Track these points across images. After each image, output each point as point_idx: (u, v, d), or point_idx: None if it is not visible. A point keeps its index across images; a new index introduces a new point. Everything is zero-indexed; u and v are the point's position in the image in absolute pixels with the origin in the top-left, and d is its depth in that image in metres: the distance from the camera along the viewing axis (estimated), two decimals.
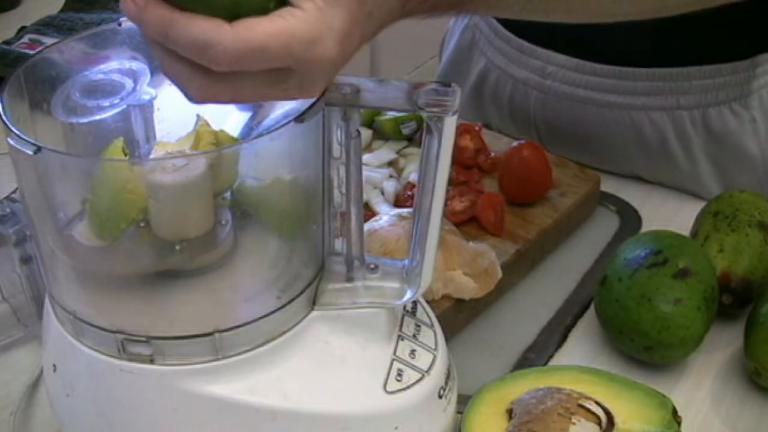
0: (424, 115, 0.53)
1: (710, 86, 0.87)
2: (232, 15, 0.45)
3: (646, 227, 0.87)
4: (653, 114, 0.89)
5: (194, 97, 0.49)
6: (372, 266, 0.59)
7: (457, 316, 0.75)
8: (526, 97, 0.97)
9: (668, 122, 0.89)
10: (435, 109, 0.52)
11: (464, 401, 0.64)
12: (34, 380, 0.71)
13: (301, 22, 0.45)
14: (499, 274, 0.75)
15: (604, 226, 0.88)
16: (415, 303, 0.63)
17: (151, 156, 0.59)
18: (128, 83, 0.59)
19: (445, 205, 0.56)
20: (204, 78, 0.47)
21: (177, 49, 0.46)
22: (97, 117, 0.57)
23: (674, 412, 0.62)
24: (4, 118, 0.50)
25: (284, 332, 0.56)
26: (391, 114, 0.91)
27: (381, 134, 0.93)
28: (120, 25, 0.59)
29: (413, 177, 0.86)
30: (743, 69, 0.86)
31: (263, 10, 0.46)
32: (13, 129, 0.49)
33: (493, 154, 0.89)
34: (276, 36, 0.45)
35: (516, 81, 0.97)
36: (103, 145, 0.57)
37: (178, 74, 0.48)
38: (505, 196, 0.84)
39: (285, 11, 0.46)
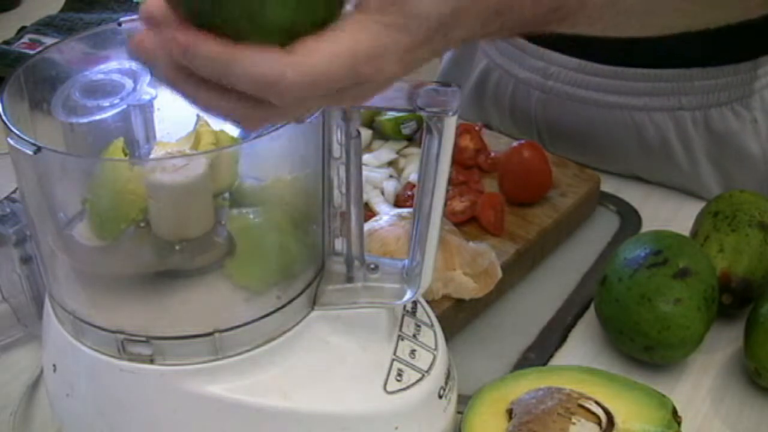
0: (424, 115, 0.53)
1: (712, 87, 0.87)
2: (289, 36, 0.41)
3: (646, 227, 0.87)
4: (655, 114, 0.89)
5: (250, 129, 0.46)
6: (372, 266, 0.59)
7: (457, 316, 0.75)
8: (527, 98, 0.97)
9: (670, 123, 0.89)
10: (435, 109, 0.52)
11: (464, 401, 0.64)
12: (34, 380, 0.71)
13: (365, 37, 0.42)
14: (499, 274, 0.75)
15: (604, 226, 0.88)
16: (415, 303, 0.63)
17: (151, 156, 0.59)
18: (128, 83, 0.59)
19: (445, 205, 0.56)
20: (263, 111, 0.43)
21: (235, 87, 0.42)
22: (97, 117, 0.57)
23: (674, 412, 0.62)
24: (4, 118, 0.50)
25: (284, 332, 0.56)
26: (391, 114, 0.91)
27: (381, 134, 0.93)
28: (120, 25, 0.59)
29: (413, 177, 0.86)
30: (745, 70, 0.86)
31: (322, 22, 0.42)
32: (13, 129, 0.49)
33: (493, 154, 0.89)
34: (339, 56, 0.41)
35: (518, 81, 0.97)
36: (103, 145, 0.57)
37: (230, 111, 0.44)
38: (505, 196, 0.84)
39: (349, 24, 0.42)
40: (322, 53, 0.41)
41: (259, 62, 0.40)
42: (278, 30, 0.40)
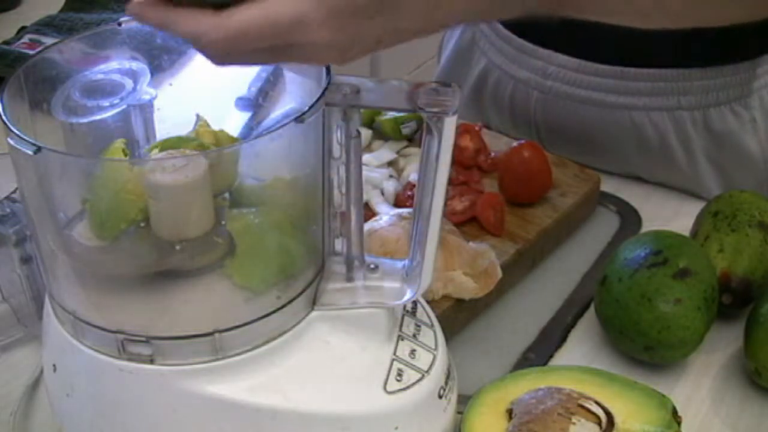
0: (424, 115, 0.53)
1: (711, 87, 0.87)
2: (220, 4, 0.47)
3: (646, 227, 0.87)
4: (654, 114, 0.89)
5: (215, 64, 0.51)
6: (372, 266, 0.59)
7: (457, 316, 0.75)
8: (526, 98, 0.97)
9: (669, 122, 0.89)
10: (435, 109, 0.52)
11: (464, 401, 0.64)
12: (34, 380, 0.71)
13: (280, 5, 0.47)
14: (499, 274, 0.75)
15: (604, 226, 0.88)
16: (415, 303, 0.63)
17: (151, 156, 0.59)
18: (128, 83, 0.59)
19: (445, 205, 0.56)
20: (213, 54, 0.49)
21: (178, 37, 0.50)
22: (97, 117, 0.57)
23: (674, 412, 0.62)
24: (4, 118, 0.50)
25: (284, 332, 0.56)
26: (391, 114, 0.91)
27: (381, 134, 0.93)
28: (120, 25, 0.59)
29: (413, 177, 0.86)
30: (744, 70, 0.86)
31: None
32: (13, 129, 0.49)
33: (493, 154, 0.89)
34: (254, 21, 0.47)
35: (517, 81, 0.97)
36: (103, 145, 0.57)
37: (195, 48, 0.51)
38: (505, 196, 0.84)
39: None
40: (240, 15, 0.47)
41: (186, 22, 0.48)
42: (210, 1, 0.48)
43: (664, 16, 0.59)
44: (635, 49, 0.87)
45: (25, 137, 0.49)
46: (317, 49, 0.49)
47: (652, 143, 0.91)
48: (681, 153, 0.90)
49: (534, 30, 0.93)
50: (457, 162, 0.87)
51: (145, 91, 0.59)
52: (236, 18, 0.47)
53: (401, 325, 0.61)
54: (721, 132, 0.88)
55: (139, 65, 0.59)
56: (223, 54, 0.49)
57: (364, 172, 0.59)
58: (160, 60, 0.60)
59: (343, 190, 0.56)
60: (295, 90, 0.60)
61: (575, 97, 0.92)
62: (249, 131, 0.61)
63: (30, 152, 0.49)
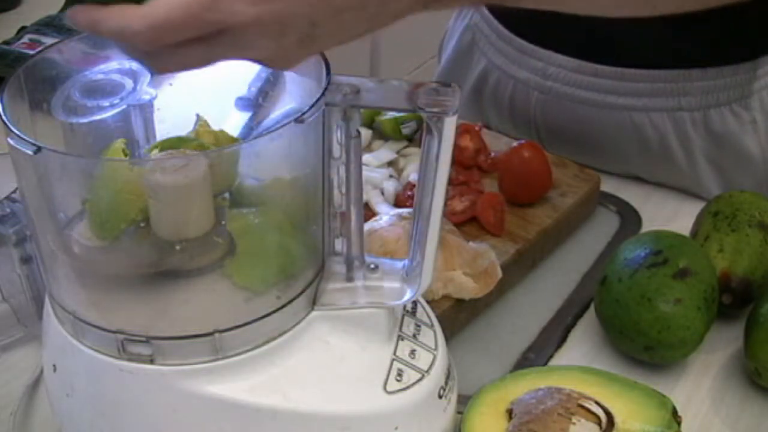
0: (424, 115, 0.53)
1: (711, 88, 0.87)
2: None
3: (646, 227, 0.87)
4: (654, 115, 0.89)
5: (153, 72, 0.51)
6: (372, 266, 0.59)
7: (457, 316, 0.75)
8: (526, 98, 0.97)
9: (669, 123, 0.89)
10: (435, 109, 0.52)
11: (464, 401, 0.64)
12: (34, 380, 0.71)
13: None
14: (499, 274, 0.75)
15: (604, 226, 0.88)
16: (415, 303, 0.63)
17: (151, 156, 0.59)
18: (128, 83, 0.59)
19: (445, 205, 0.56)
20: (146, 56, 0.49)
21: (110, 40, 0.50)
22: (97, 117, 0.57)
23: (674, 412, 0.62)
24: (4, 118, 0.50)
25: (284, 332, 0.56)
26: (391, 114, 0.91)
27: (381, 134, 0.93)
28: None
29: (413, 177, 0.86)
30: (744, 71, 0.86)
31: None
32: (13, 129, 0.49)
33: (493, 154, 0.89)
34: (175, 6, 0.46)
35: (517, 82, 0.97)
36: (103, 145, 0.57)
37: (132, 57, 0.51)
38: (505, 196, 0.84)
39: None
40: (161, 3, 0.47)
41: (112, 18, 0.47)
42: None
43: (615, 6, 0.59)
44: (635, 49, 0.87)
45: (25, 137, 0.49)
46: (248, 35, 0.48)
47: (652, 144, 0.91)
48: (681, 154, 0.90)
49: (534, 31, 0.93)
50: (457, 162, 0.87)
51: (145, 91, 0.59)
52: (158, 4, 0.46)
53: (401, 325, 0.61)
54: (721, 133, 0.88)
55: (139, 65, 0.59)
56: (150, 46, 0.48)
57: (364, 172, 0.59)
58: None
59: (343, 190, 0.56)
60: (295, 90, 0.60)
61: (575, 98, 0.92)
62: (249, 131, 0.61)
63: (30, 152, 0.49)
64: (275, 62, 0.52)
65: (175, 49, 0.48)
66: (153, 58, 0.49)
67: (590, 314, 0.77)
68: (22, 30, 1.20)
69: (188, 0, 0.46)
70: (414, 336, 0.61)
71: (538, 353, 0.75)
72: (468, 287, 0.73)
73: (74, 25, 0.49)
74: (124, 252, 0.56)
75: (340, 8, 0.50)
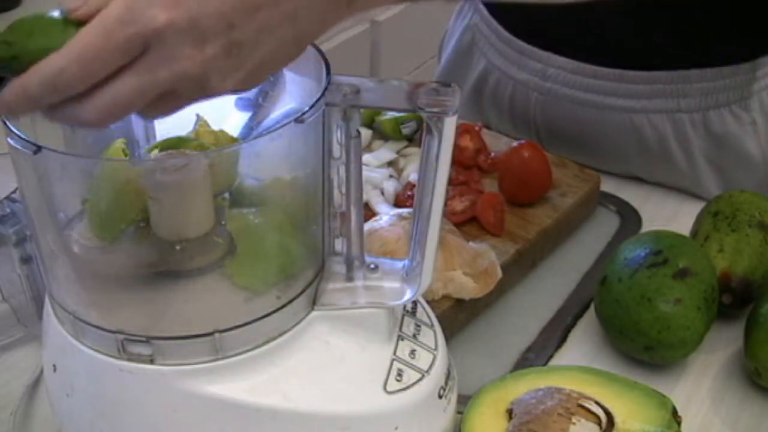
0: (424, 115, 0.53)
1: (711, 89, 0.87)
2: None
3: (646, 227, 0.87)
4: (653, 116, 0.89)
5: (91, 125, 0.47)
6: (372, 266, 0.59)
7: (457, 316, 0.75)
8: (526, 99, 0.97)
9: (668, 125, 0.89)
10: (435, 109, 0.52)
11: (464, 401, 0.64)
12: (34, 380, 0.71)
13: (113, 3, 0.45)
14: (499, 274, 0.75)
15: (604, 226, 0.88)
16: (415, 303, 0.63)
17: (151, 156, 0.59)
18: None
19: (445, 205, 0.56)
20: (77, 105, 0.47)
21: (44, 100, 0.46)
22: None
23: (674, 412, 0.62)
24: (4, 118, 0.50)
25: (284, 332, 0.56)
26: (391, 114, 0.91)
27: (381, 134, 0.93)
28: None
29: (413, 177, 0.86)
30: (744, 72, 0.86)
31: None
32: (13, 129, 0.49)
33: (493, 154, 0.89)
34: (90, 27, 0.45)
35: (516, 83, 0.97)
36: (103, 145, 0.57)
37: (65, 118, 0.48)
38: (505, 196, 0.84)
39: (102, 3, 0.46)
40: (79, 35, 0.45)
41: (36, 71, 0.45)
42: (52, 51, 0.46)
43: None
44: (634, 51, 0.87)
45: (25, 137, 0.49)
46: (167, 43, 0.45)
47: (651, 145, 0.91)
48: (680, 154, 0.90)
49: (533, 32, 0.93)
50: (457, 162, 0.87)
51: None
52: (76, 38, 0.45)
53: (401, 325, 0.61)
54: (720, 134, 0.88)
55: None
56: (83, 83, 0.45)
57: (364, 172, 0.59)
58: None
59: (343, 190, 0.56)
60: (295, 90, 0.60)
61: (574, 99, 0.92)
62: (249, 131, 0.61)
63: (30, 152, 0.49)
64: (210, 79, 0.47)
65: (108, 84, 0.46)
66: (91, 106, 0.46)
67: (590, 314, 0.77)
68: None
69: (102, 19, 0.45)
70: (414, 336, 0.61)
71: (538, 353, 0.75)
72: (468, 287, 0.73)
73: (9, 112, 0.48)
74: (124, 252, 0.56)
75: (253, 5, 0.47)
